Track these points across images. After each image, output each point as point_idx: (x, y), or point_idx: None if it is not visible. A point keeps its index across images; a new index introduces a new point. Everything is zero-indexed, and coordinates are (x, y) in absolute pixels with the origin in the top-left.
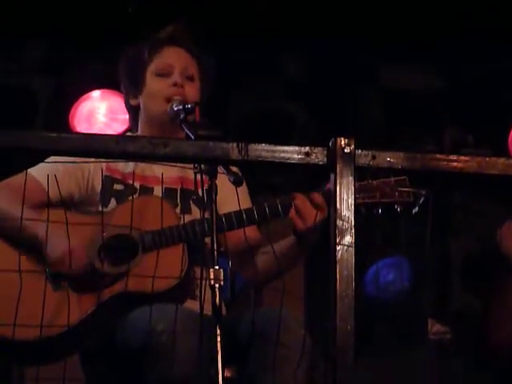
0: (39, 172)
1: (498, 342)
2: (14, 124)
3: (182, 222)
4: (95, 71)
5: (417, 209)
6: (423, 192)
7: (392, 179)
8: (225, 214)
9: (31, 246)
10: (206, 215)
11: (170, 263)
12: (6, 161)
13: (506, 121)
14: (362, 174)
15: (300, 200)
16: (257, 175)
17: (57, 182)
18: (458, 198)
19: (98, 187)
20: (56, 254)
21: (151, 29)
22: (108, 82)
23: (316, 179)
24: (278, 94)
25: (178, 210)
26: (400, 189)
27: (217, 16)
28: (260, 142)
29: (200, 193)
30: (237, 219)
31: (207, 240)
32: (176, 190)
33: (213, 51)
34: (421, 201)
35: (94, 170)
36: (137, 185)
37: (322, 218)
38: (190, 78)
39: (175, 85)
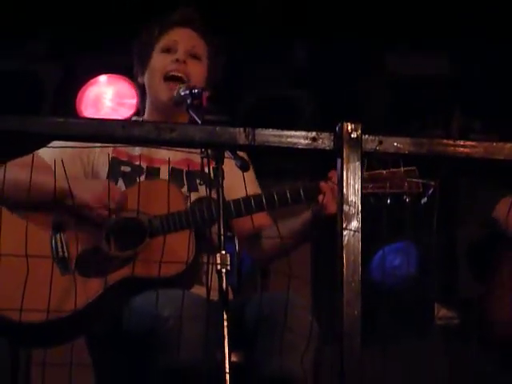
0: (47, 154)
1: (502, 326)
2: (21, 109)
3: (189, 204)
4: (102, 56)
5: (426, 199)
6: (432, 183)
7: (401, 169)
8: (233, 200)
9: (57, 200)
10: (213, 195)
11: (177, 248)
12: (13, 145)
13: None
14: (371, 164)
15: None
16: (264, 160)
17: (63, 166)
18: (465, 183)
19: (104, 170)
20: (96, 190)
21: (158, 14)
22: (115, 67)
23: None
24: (284, 81)
25: (184, 188)
26: (409, 179)
27: (223, 3)
28: (267, 127)
29: (206, 174)
30: (245, 205)
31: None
32: (182, 170)
33: (220, 36)
34: (430, 192)
35: (99, 153)
36: (144, 165)
37: None
38: (197, 57)
39: (177, 61)
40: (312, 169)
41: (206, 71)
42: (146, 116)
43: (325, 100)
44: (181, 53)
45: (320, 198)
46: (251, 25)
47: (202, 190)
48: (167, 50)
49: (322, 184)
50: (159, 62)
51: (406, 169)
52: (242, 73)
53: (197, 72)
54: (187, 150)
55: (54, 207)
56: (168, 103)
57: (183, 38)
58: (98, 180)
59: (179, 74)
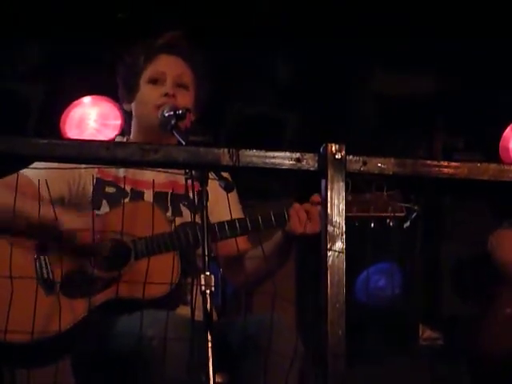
0: (32, 174)
1: (490, 350)
2: (5, 129)
3: (173, 227)
4: (86, 77)
5: (408, 223)
6: (415, 207)
7: (385, 193)
8: (218, 223)
9: (43, 226)
10: (197, 219)
11: (162, 270)
12: None
13: (497, 126)
14: (356, 186)
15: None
16: (249, 179)
17: (49, 184)
18: (449, 202)
19: (89, 190)
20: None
21: (143, 34)
22: (99, 88)
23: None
24: (269, 100)
25: (169, 213)
26: (393, 202)
27: (207, 21)
28: (251, 147)
29: (191, 196)
30: (230, 228)
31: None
32: (167, 193)
33: (205, 53)
34: (413, 216)
35: (84, 174)
36: (128, 188)
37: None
38: (184, 87)
39: (166, 95)
40: (299, 189)
41: (193, 99)
42: (132, 138)
43: (310, 119)
44: (169, 85)
45: (289, 223)
46: (235, 42)
47: (187, 215)
48: (155, 81)
49: (290, 210)
50: (148, 94)
51: (389, 192)
52: (227, 93)
53: (185, 102)
54: (172, 171)
55: (39, 230)
56: (157, 127)
57: (170, 68)
58: (80, 207)
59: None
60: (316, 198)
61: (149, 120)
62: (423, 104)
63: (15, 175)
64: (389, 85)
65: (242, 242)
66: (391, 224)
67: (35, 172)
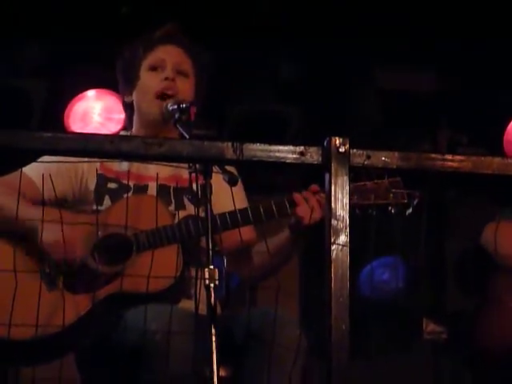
0: (33, 171)
1: (490, 343)
2: (8, 124)
3: (176, 221)
4: (90, 71)
5: (411, 210)
6: (417, 193)
7: (386, 181)
8: (219, 214)
9: (27, 236)
10: (201, 212)
11: (164, 263)
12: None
13: (501, 120)
14: (356, 175)
15: (312, 191)
16: (254, 174)
17: (51, 181)
18: (453, 196)
19: (92, 186)
20: (51, 239)
21: (145, 30)
22: (103, 82)
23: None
24: (273, 95)
25: (172, 207)
26: (394, 190)
27: (211, 17)
28: (255, 141)
29: (194, 189)
30: (231, 219)
31: (202, 239)
32: (169, 186)
33: (207, 52)
34: (415, 202)
35: (87, 169)
36: (131, 183)
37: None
38: (184, 74)
39: (166, 79)
40: (304, 183)
41: (193, 87)
42: (134, 132)
43: (313, 115)
44: (169, 70)
45: (297, 210)
46: (239, 40)
47: (190, 208)
48: (154, 68)
49: (296, 195)
50: (148, 80)
51: (390, 180)
52: (230, 87)
53: (185, 89)
54: (176, 165)
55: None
56: (159, 119)
57: (170, 55)
58: (83, 204)
59: (170, 92)
60: (314, 187)
61: (150, 108)
62: (427, 99)
63: (15, 174)
64: (393, 81)
65: (246, 232)
66: (393, 211)
67: (37, 171)
